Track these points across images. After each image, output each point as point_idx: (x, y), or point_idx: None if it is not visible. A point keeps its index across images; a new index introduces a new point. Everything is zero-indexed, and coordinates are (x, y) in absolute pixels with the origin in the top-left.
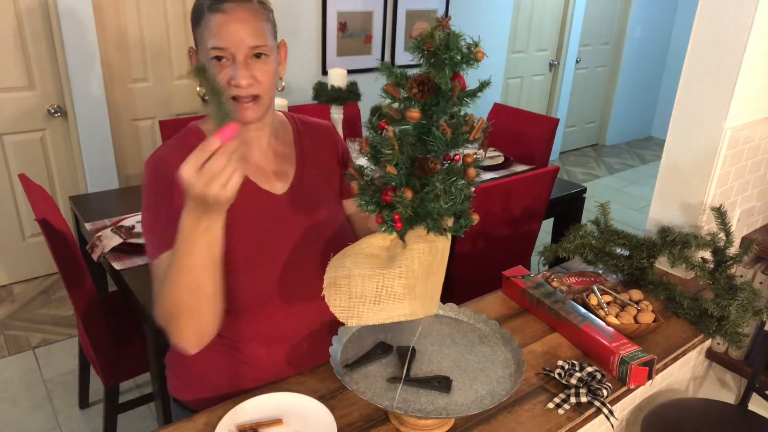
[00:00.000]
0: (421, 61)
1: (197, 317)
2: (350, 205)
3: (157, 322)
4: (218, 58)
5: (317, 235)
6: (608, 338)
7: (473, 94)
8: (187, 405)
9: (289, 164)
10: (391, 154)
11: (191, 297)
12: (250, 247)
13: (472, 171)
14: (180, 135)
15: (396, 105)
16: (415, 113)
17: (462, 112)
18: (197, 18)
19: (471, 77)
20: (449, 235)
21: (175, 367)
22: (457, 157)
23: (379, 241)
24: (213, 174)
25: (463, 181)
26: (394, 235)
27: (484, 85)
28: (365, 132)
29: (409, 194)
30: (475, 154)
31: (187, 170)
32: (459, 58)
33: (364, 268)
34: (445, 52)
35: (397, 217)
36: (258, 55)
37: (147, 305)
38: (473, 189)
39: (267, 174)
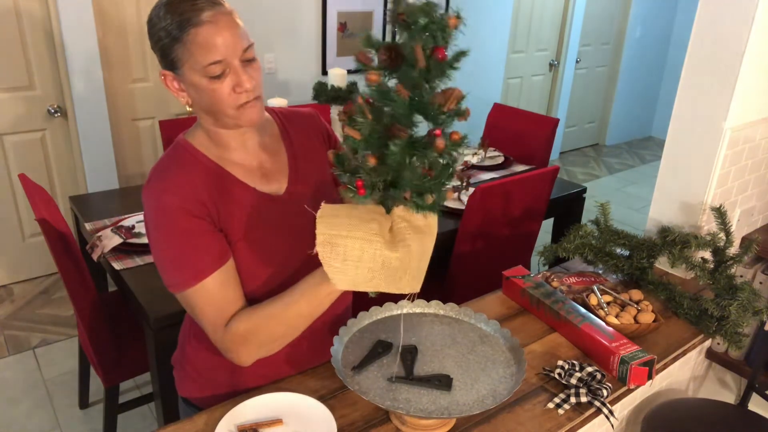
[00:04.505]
0: (400, 35)
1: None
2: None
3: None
4: (218, 76)
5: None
6: (608, 338)
7: (449, 65)
8: (194, 403)
9: (282, 160)
10: (363, 122)
11: (302, 327)
12: (254, 251)
13: (440, 142)
14: (171, 153)
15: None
16: (373, 75)
17: (439, 85)
18: (174, 37)
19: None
20: (435, 213)
21: (184, 366)
22: (438, 131)
23: (379, 211)
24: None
25: (435, 154)
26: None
27: (459, 56)
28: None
29: (371, 161)
30: (475, 153)
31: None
32: (422, 23)
33: (363, 232)
34: (411, 18)
35: (359, 183)
36: (250, 57)
37: (147, 305)
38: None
39: (263, 175)
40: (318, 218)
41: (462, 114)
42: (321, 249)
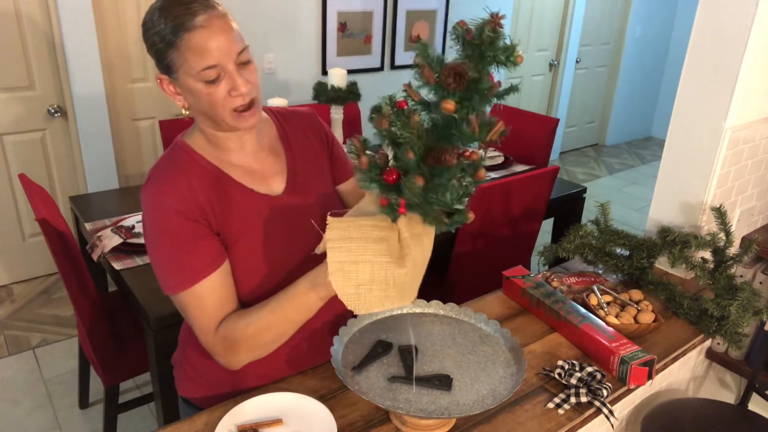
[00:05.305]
0: (460, 51)
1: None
2: (344, 189)
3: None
4: (213, 81)
5: (316, 229)
6: (608, 338)
7: (501, 95)
8: (194, 403)
9: (280, 161)
10: (411, 138)
11: (291, 332)
12: (254, 252)
13: (482, 172)
14: (169, 154)
15: (425, 91)
16: (450, 105)
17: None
18: (168, 42)
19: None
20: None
21: (183, 366)
22: (467, 153)
23: (385, 223)
24: None
25: (470, 179)
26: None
27: (512, 90)
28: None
29: (420, 182)
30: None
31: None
32: (502, 59)
33: (372, 255)
34: (491, 50)
35: (403, 202)
36: (245, 60)
37: (147, 305)
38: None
39: (262, 176)
40: (328, 243)
41: (495, 143)
42: (333, 278)
